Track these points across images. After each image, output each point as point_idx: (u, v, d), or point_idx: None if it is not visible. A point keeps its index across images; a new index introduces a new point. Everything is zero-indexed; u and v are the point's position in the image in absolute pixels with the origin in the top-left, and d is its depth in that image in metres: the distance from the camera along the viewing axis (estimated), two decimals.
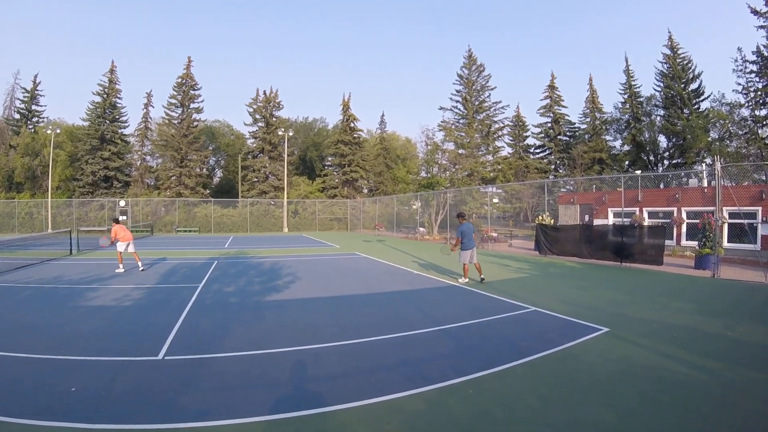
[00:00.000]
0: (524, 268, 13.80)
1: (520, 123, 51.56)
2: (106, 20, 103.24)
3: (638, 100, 41.57)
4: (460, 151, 42.56)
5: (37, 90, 50.11)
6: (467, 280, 10.62)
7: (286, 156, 43.58)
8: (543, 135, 50.04)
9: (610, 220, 22.16)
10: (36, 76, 50.15)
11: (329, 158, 53.58)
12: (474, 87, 45.98)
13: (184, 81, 45.63)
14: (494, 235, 23.81)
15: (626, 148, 41.98)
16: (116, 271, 12.84)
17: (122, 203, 37.92)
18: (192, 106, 45.90)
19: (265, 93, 47.77)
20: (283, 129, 43.37)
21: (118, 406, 3.89)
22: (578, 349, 5.27)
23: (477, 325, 6.66)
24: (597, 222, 22.11)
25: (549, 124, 49.42)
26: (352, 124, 49.81)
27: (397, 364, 4.92)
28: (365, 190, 52.32)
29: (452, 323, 6.66)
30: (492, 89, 46.19)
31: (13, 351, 5.55)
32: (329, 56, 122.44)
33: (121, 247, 13.12)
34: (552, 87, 49.38)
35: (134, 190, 44.85)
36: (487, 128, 45.25)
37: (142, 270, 13.06)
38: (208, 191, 46.82)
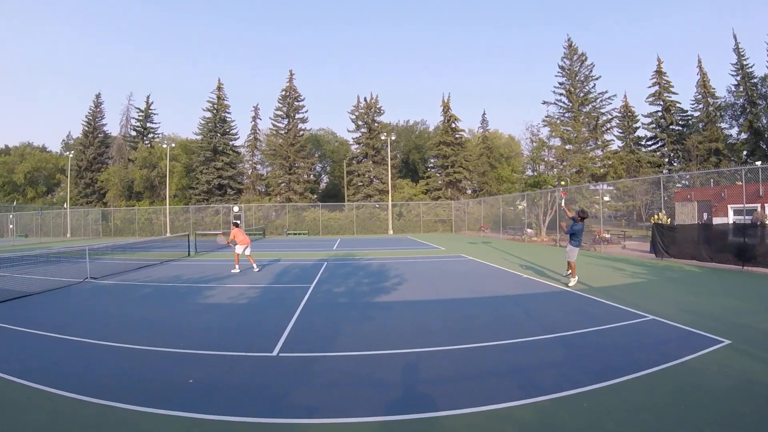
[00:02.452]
0: (640, 272, 14.06)
1: (629, 113, 54.12)
2: (212, 42, 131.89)
3: (752, 81, 43.09)
4: (567, 147, 44.71)
5: (151, 109, 63.51)
6: (576, 279, 11.37)
7: (389, 160, 50.20)
8: (654, 125, 52.22)
9: (731, 218, 23.28)
10: (148, 97, 64.03)
11: (432, 160, 60.65)
12: (577, 78, 48.96)
13: (287, 93, 55.83)
14: (607, 236, 24.39)
15: (743, 135, 43.58)
16: (232, 271, 15.29)
17: (236, 209, 47.49)
18: (297, 116, 55.94)
19: (365, 99, 56.57)
20: (385, 133, 50.88)
21: (233, 398, 4.65)
22: (697, 363, 5.40)
23: (591, 333, 6.95)
24: (716, 220, 22.95)
25: (660, 113, 51.64)
26: (453, 125, 56.36)
27: (507, 371, 5.30)
28: (469, 191, 58.02)
29: (564, 331, 7.01)
30: (596, 79, 48.51)
31: (136, 344, 6.76)
32: (427, 58, 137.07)
33: (239, 249, 15.59)
34: (659, 72, 51.87)
35: (247, 197, 55.14)
36: (594, 121, 47.82)
37: (257, 271, 15.34)
38: (315, 196, 56.36)
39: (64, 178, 63.45)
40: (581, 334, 6.94)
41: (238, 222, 17.61)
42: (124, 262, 19.32)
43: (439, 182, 55.93)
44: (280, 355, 6.21)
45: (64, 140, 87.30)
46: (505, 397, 4.49)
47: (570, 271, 11.54)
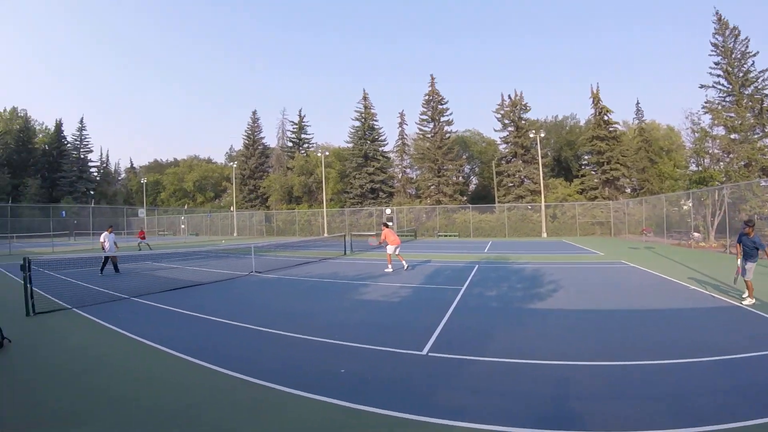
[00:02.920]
0: None
1: None
2: (355, 55, 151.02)
3: None
4: (732, 136, 41.13)
5: (304, 122, 72.22)
6: (753, 300, 9.86)
7: (540, 158, 49.66)
8: None
9: None
10: (300, 111, 73.55)
11: (585, 157, 59.31)
12: (733, 56, 44.61)
13: (431, 97, 59.44)
14: None
15: None
16: (385, 270, 16.05)
17: (388, 211, 51.80)
18: (442, 119, 59.25)
19: (510, 97, 57.44)
20: (533, 131, 50.75)
21: (380, 391, 5.08)
22: None
23: (764, 358, 6.27)
24: None
25: None
26: (605, 117, 53.59)
27: (664, 394, 5.06)
28: (628, 190, 54.51)
29: (733, 354, 6.44)
30: (754, 55, 43.89)
31: (294, 332, 7.67)
32: (571, 48, 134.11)
33: (390, 249, 16.40)
34: None
35: (398, 199, 60.15)
36: (759, 104, 42.88)
37: (407, 269, 16.23)
38: (465, 198, 59.54)
39: (230, 185, 73.95)
40: (752, 358, 6.30)
41: (389, 223, 19.43)
42: (286, 259, 21.63)
43: (595, 180, 53.72)
44: (430, 354, 6.50)
45: (227, 153, 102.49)
46: (659, 424, 4.32)
47: (747, 292, 10.16)
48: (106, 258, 17.46)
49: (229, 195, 77.15)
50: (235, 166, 72.64)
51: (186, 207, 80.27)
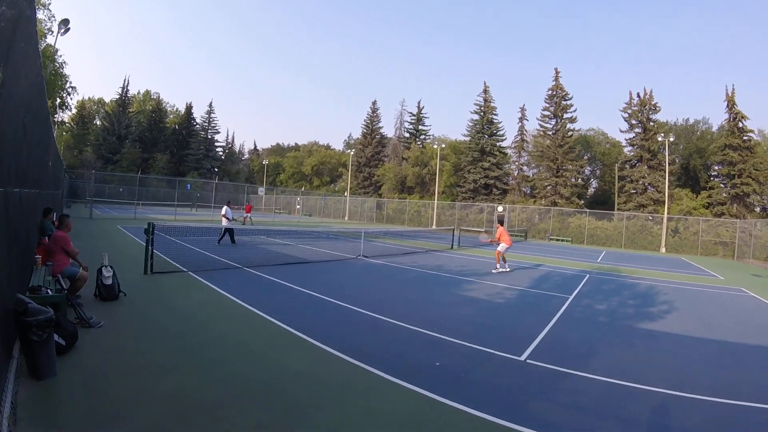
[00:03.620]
0: None
1: None
2: (477, 46, 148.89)
3: None
4: None
5: (422, 113, 76.38)
6: None
7: (667, 165, 46.80)
8: None
9: None
10: (419, 102, 78.62)
11: (715, 167, 55.20)
12: None
13: (554, 92, 59.96)
14: None
15: None
16: (493, 271, 16.07)
17: (500, 208, 52.62)
18: (565, 116, 59.26)
19: (639, 96, 55.68)
20: (662, 134, 48.50)
21: (473, 391, 5.14)
22: None
23: None
24: None
25: None
26: (740, 124, 50.26)
27: None
28: (758, 209, 50.90)
29: None
30: None
31: (395, 319, 8.05)
32: (706, 45, 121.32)
33: (502, 248, 16.38)
34: None
35: (511, 198, 61.68)
36: None
37: (508, 272, 16.24)
38: (582, 201, 57.92)
39: (346, 171, 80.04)
40: None
41: (503, 221, 20.22)
42: (393, 247, 22.42)
43: (724, 195, 50.89)
44: (528, 361, 6.54)
45: (345, 140, 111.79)
46: None
47: None
48: (225, 230, 19.09)
49: (344, 181, 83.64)
50: (352, 153, 78.54)
51: (303, 189, 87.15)
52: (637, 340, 8.62)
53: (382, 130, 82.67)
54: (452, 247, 25.46)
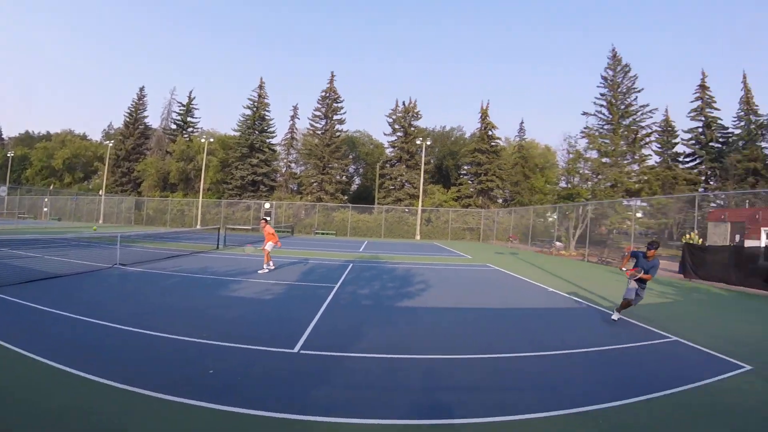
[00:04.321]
0: (667, 292, 14.30)
1: (669, 128, 54.23)
2: (254, 40, 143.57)
3: None
4: (603, 160, 46.04)
5: (192, 104, 67.70)
6: (619, 317, 9.75)
7: (423, 165, 51.64)
8: (693, 142, 52.31)
9: (763, 241, 23.35)
10: (191, 92, 69.30)
11: (465, 167, 62.02)
12: (619, 89, 49.83)
13: (327, 95, 58.85)
14: None
15: None
16: (259, 271, 15.06)
17: (267, 205, 50.14)
18: (335, 117, 58.79)
19: (404, 104, 58.86)
20: (421, 138, 52.48)
21: (252, 392, 4.93)
22: (717, 388, 5.58)
23: (613, 351, 7.19)
24: (748, 243, 23.05)
25: (700, 129, 51.85)
26: (489, 132, 57.84)
27: (528, 383, 5.59)
28: (500, 200, 59.18)
29: (587, 347, 7.23)
30: (638, 91, 49.19)
31: (160, 331, 7.18)
32: (468, 63, 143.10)
33: (269, 247, 15.75)
34: (703, 87, 52.18)
35: (278, 194, 58.16)
36: (633, 134, 48.37)
37: (271, 269, 15.37)
38: (346, 197, 58.94)
39: (102, 166, 68.05)
40: (603, 351, 7.19)
41: (268, 218, 18.03)
42: (154, 251, 20.36)
43: (471, 190, 57.35)
44: (301, 352, 6.44)
45: (105, 130, 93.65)
46: (523, 409, 4.68)
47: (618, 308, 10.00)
48: None
49: (100, 177, 70.88)
50: (111, 145, 66.96)
51: (51, 188, 73.08)
52: (399, 318, 9.12)
53: (147, 120, 72.00)
54: (218, 247, 23.71)
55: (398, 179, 56.54)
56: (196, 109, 68.46)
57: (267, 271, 15.22)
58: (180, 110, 68.10)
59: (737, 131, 50.13)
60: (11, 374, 5.35)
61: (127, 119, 69.99)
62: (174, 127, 68.41)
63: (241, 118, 60.98)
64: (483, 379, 5.70)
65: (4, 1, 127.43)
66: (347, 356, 6.36)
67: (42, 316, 8.17)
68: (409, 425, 4.31)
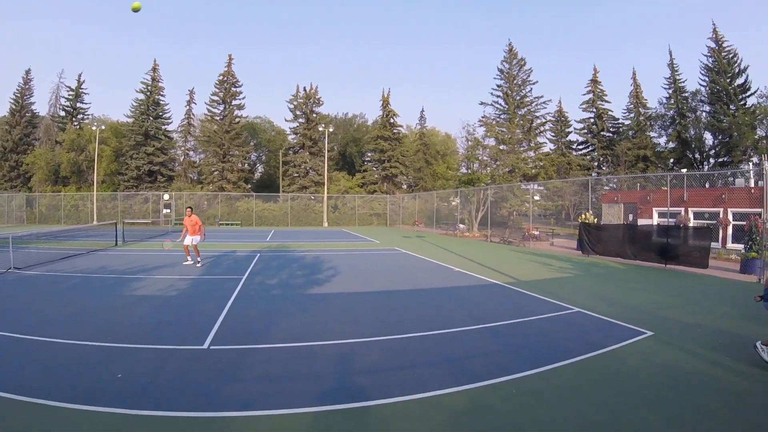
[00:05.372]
0: (567, 267, 14.62)
1: (563, 118, 55.72)
2: (146, 20, 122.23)
3: (683, 95, 45.07)
4: (501, 147, 46.29)
5: (82, 88, 58.84)
6: None
7: (326, 152, 49.09)
8: (586, 131, 53.65)
9: (655, 220, 23.76)
10: (80, 75, 59.03)
11: (369, 154, 59.83)
12: (515, 81, 50.20)
13: (225, 78, 52.96)
14: (536, 233, 25.35)
15: (671, 145, 45.73)
16: (197, 265, 14.21)
17: (166, 197, 45.33)
18: (234, 102, 53.16)
19: (305, 89, 54.45)
20: (323, 125, 49.97)
21: (163, 393, 4.46)
22: (622, 353, 5.70)
23: (520, 324, 7.24)
24: (641, 222, 23.58)
25: (592, 120, 53.07)
26: (391, 120, 55.77)
27: (440, 360, 5.47)
28: (404, 186, 57.74)
29: (495, 322, 7.27)
30: (533, 84, 50.27)
31: (60, 337, 6.46)
32: (369, 51, 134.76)
33: (196, 240, 14.48)
34: (595, 81, 53.30)
35: (178, 185, 52.06)
36: (528, 124, 49.22)
37: (188, 264, 14.49)
38: (249, 186, 54.11)
39: None
40: (511, 324, 7.27)
41: (192, 207, 15.94)
42: (50, 252, 18.57)
43: (375, 176, 55.97)
44: (211, 348, 6.09)
45: None
46: (437, 385, 4.60)
47: None
48: None
49: None
50: None
51: None
52: (310, 305, 8.80)
53: (34, 107, 60.58)
54: (117, 244, 21.80)
55: (302, 166, 52.68)
56: (86, 93, 59.17)
57: (199, 264, 14.22)
58: (69, 95, 58.92)
59: (627, 122, 52.21)
60: None
61: (13, 106, 59.81)
62: (63, 114, 59.61)
63: (134, 104, 53.65)
64: (395, 359, 5.59)
65: None
66: (258, 348, 6.07)
67: None
68: (325, 411, 4.09)
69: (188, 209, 15.09)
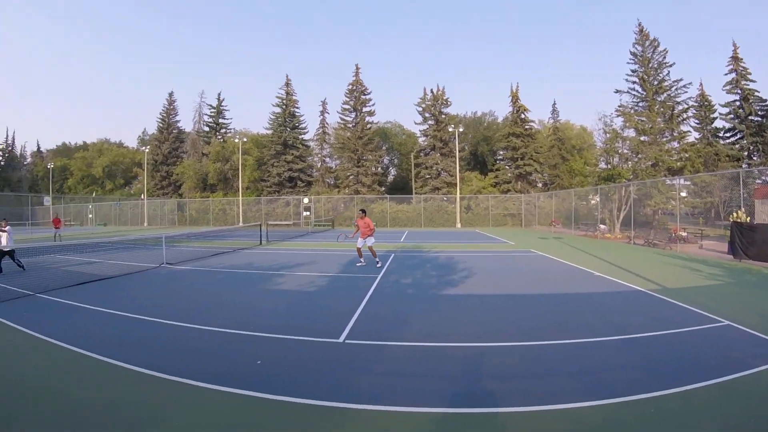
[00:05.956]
0: (717, 273, 13.65)
1: (706, 103, 51.36)
2: (277, 38, 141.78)
3: None
4: (642, 138, 43.50)
5: (222, 105, 66.73)
6: None
7: (457, 152, 50.57)
8: (732, 116, 49.65)
9: None
10: (219, 94, 67.47)
11: (501, 152, 60.17)
12: (650, 65, 47.11)
13: (354, 87, 57.46)
14: (684, 234, 23.78)
15: None
16: (377, 265, 14.47)
17: (306, 200, 49.59)
18: (364, 110, 57.42)
19: (432, 91, 56.94)
20: (452, 125, 51.50)
21: (298, 381, 4.92)
22: None
23: (663, 336, 6.80)
24: None
25: (737, 103, 49.09)
26: (522, 116, 55.58)
27: (575, 371, 5.30)
28: (539, 184, 57.16)
29: (635, 333, 6.91)
30: (670, 66, 46.64)
31: (208, 325, 7.28)
32: (493, 47, 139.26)
33: (370, 242, 14.83)
34: (736, 58, 49.10)
35: (316, 189, 57.32)
36: (670, 111, 45.81)
37: (363, 265, 14.70)
38: (383, 188, 58.15)
39: (141, 171, 67.93)
40: (653, 336, 6.87)
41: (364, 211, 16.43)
42: (199, 250, 20.67)
43: (509, 175, 55.44)
44: (347, 342, 6.46)
45: (140, 136, 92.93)
46: (571, 398, 4.52)
47: None
48: (2, 253, 14.44)
49: (140, 182, 70.58)
50: (147, 150, 66.71)
51: (94, 195, 73.35)
52: (442, 306, 8.99)
53: (179, 124, 71.72)
54: (261, 243, 23.86)
55: (434, 168, 55.03)
56: (226, 110, 67.84)
57: (380, 265, 14.60)
58: (211, 113, 67.48)
59: None
60: (66, 371, 5.56)
61: (161, 124, 69.76)
62: (207, 129, 67.85)
63: (272, 117, 60.22)
64: (527, 367, 5.54)
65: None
66: (391, 345, 6.33)
67: (92, 315, 8.37)
68: (452, 413, 4.24)
69: (361, 211, 15.62)
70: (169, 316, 8.02)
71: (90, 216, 62.79)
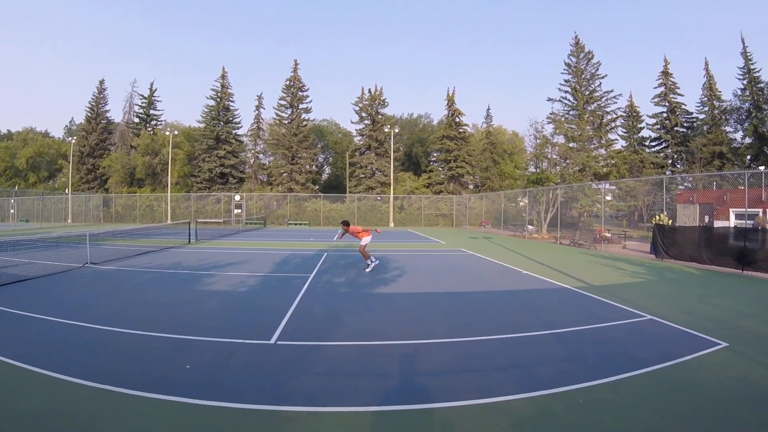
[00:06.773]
0: (640, 272, 14.33)
1: (634, 113, 54.07)
2: (214, 30, 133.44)
3: (758, 86, 43.27)
4: (571, 145, 45.25)
5: (154, 96, 63.79)
6: None
7: (392, 152, 50.93)
8: (658, 126, 52.06)
9: (732, 221, 22.90)
10: (152, 84, 64.32)
11: (435, 154, 61.12)
12: (583, 76, 49.23)
13: (292, 83, 56.09)
14: (608, 235, 24.60)
15: (748, 140, 44.08)
16: (366, 270, 13.73)
17: (237, 197, 47.53)
18: (301, 106, 56.18)
19: (370, 91, 56.61)
20: (388, 126, 51.56)
21: (229, 385, 4.75)
22: (695, 364, 5.52)
23: (590, 330, 7.10)
24: (717, 224, 22.67)
25: (664, 114, 51.51)
26: (457, 119, 56.74)
27: (506, 365, 5.44)
28: (471, 186, 58.45)
29: (564, 327, 7.14)
30: (602, 77, 48.96)
31: (134, 329, 6.90)
32: (432, 50, 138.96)
33: (365, 242, 14.24)
34: (666, 73, 51.62)
35: (248, 186, 55.44)
36: (599, 119, 48.01)
37: (368, 271, 13.72)
38: (317, 187, 56.90)
39: (66, 163, 63.50)
40: (580, 331, 7.11)
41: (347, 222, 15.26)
42: (125, 248, 19.66)
43: (442, 176, 56.47)
44: (278, 343, 6.31)
45: (66, 126, 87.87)
46: (503, 391, 4.60)
47: None
48: None
49: (65, 175, 66.50)
50: (74, 141, 62.69)
51: (17, 188, 68.58)
52: (376, 304, 9.01)
53: (108, 114, 66.88)
54: (189, 242, 23.05)
55: (368, 167, 54.93)
56: (158, 101, 64.49)
57: (372, 266, 14.08)
58: (142, 103, 63.95)
59: (701, 116, 50.13)
60: None
61: (89, 114, 65.28)
62: (137, 120, 64.35)
63: (205, 110, 57.77)
64: (459, 362, 5.59)
65: None
66: (324, 345, 6.26)
67: (12, 319, 7.73)
68: (388, 411, 4.21)
69: (343, 224, 14.70)
70: (95, 320, 7.55)
71: (12, 211, 58.29)
